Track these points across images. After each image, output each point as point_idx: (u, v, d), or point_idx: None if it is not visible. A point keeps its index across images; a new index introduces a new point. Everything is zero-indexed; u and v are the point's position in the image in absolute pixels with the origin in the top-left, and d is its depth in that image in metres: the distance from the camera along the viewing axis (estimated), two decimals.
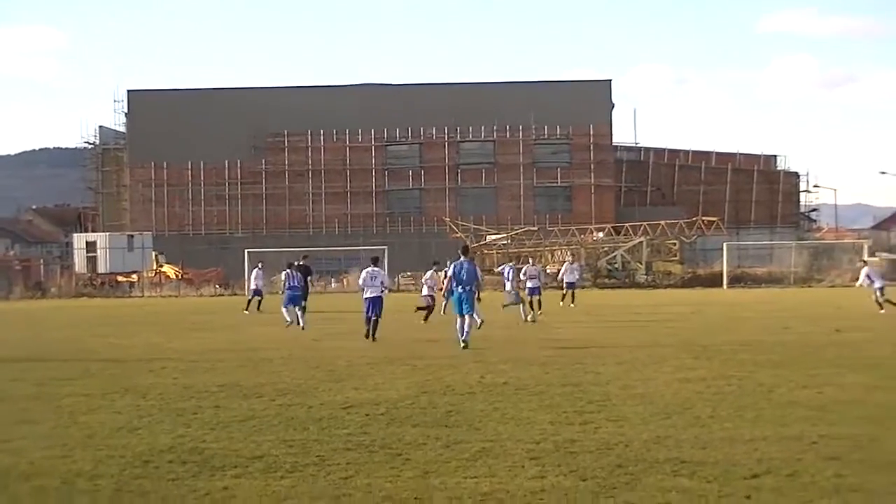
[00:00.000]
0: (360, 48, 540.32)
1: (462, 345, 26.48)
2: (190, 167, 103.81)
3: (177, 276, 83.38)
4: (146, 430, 14.36)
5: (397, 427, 14.31)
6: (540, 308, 39.89)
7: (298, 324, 35.39)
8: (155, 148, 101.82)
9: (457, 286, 27.35)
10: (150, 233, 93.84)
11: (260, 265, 49.69)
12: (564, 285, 48.78)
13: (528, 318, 37.30)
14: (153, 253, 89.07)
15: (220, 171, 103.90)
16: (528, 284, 40.15)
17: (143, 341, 31.48)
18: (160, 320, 42.93)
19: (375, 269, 31.08)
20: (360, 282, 31.21)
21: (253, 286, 48.57)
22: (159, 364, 23.64)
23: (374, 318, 30.03)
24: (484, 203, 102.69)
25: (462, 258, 28.09)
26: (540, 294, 40.49)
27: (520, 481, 11.03)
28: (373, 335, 29.71)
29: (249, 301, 47.52)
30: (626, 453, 12.24)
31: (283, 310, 36.81)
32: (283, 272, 38.05)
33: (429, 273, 40.62)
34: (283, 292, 37.40)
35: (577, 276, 50.98)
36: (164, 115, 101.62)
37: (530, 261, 48.55)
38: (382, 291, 30.77)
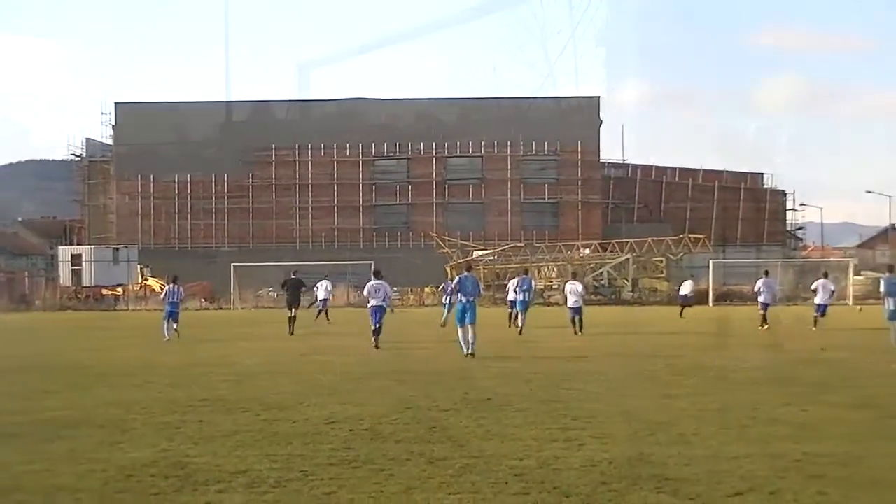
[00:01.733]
0: (348, 62, 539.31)
1: (468, 354, 27.74)
2: (177, 180, 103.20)
3: (162, 289, 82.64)
4: (129, 445, 14.30)
5: (381, 443, 14.28)
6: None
7: (166, 337, 37.34)
8: (142, 160, 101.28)
9: (461, 298, 28.72)
10: (136, 246, 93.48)
11: (325, 277, 52.11)
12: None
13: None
14: (139, 266, 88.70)
15: (206, 185, 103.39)
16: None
17: (127, 355, 31.43)
18: (145, 334, 42.75)
19: (379, 281, 32.59)
20: (365, 293, 32.86)
21: (322, 296, 49.81)
22: (143, 378, 23.60)
23: (377, 327, 31.79)
24: (471, 219, 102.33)
25: (465, 272, 30.13)
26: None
27: (503, 498, 11.02)
28: (376, 343, 31.48)
29: (319, 312, 48.88)
30: (609, 470, 12.23)
31: (164, 324, 38.35)
32: (167, 286, 40.33)
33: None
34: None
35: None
36: (151, 127, 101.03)
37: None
38: (384, 301, 32.44)
